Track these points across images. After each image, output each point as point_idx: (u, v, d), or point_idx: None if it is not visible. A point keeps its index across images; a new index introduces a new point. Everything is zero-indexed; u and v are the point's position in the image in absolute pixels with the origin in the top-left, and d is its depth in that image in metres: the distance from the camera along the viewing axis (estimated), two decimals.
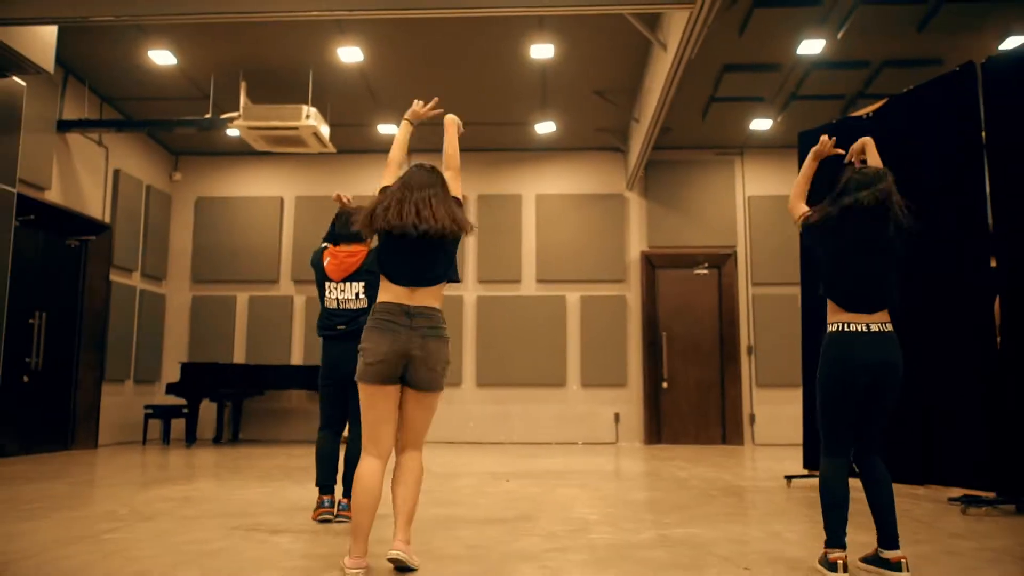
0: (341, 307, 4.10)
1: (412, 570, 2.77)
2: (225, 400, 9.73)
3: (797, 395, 9.81)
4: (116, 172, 9.29)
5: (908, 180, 5.13)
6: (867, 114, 5.42)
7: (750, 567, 2.98)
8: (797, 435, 9.60)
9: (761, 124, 9.53)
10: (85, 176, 8.72)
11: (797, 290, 9.87)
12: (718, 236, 10.31)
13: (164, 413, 9.27)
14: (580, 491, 5.28)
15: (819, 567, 2.84)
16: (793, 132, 9.75)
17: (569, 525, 3.90)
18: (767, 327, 10.04)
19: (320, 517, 3.91)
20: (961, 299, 4.57)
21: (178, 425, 9.67)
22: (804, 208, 3.09)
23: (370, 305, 3.89)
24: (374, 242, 3.37)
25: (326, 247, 4.25)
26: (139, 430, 9.45)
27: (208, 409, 9.74)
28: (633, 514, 4.25)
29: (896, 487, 3.22)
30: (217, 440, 9.62)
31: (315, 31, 7.41)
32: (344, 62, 8.02)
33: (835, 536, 2.83)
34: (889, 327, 2.87)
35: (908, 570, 2.76)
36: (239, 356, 10.26)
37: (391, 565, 2.78)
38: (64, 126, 8.19)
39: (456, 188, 3.04)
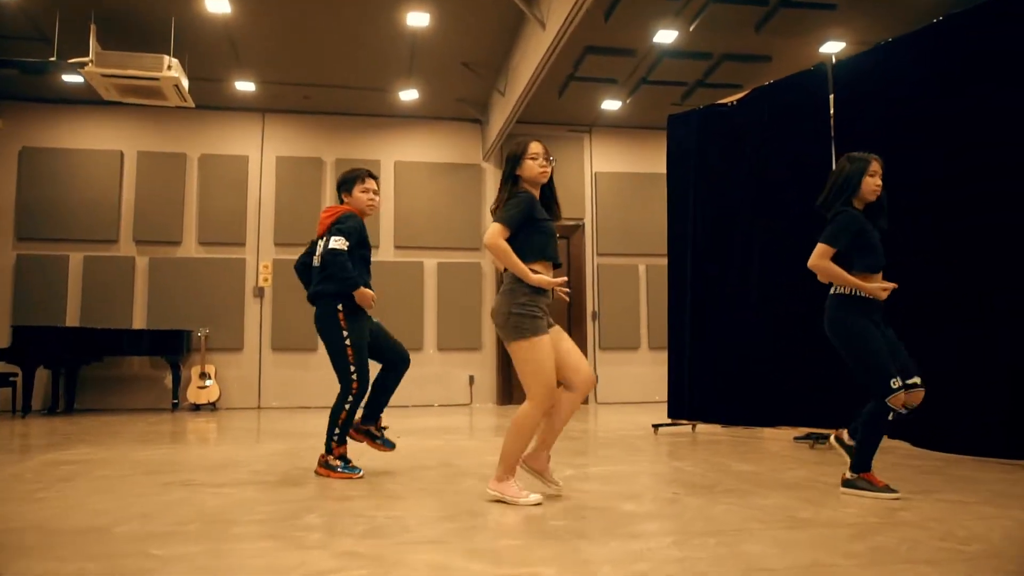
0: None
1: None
2: (60, 367, 9.07)
3: (636, 357, 10.81)
4: None
5: (766, 164, 5.89)
6: (731, 102, 6.09)
7: (677, 492, 3.46)
8: (636, 394, 10.59)
9: (611, 104, 10.20)
10: None
11: (637, 260, 10.83)
12: (567, 209, 10.84)
13: None
14: (478, 443, 5.61)
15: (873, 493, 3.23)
16: (640, 114, 10.60)
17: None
18: (610, 294, 10.82)
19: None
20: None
21: (3, 394, 8.90)
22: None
23: None
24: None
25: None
26: None
27: (39, 378, 9.03)
28: None
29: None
30: (52, 410, 8.96)
31: None
32: (210, 12, 7.68)
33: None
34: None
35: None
36: (72, 320, 9.57)
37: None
38: None
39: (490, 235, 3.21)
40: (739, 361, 5.80)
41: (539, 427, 3.26)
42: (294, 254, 9.86)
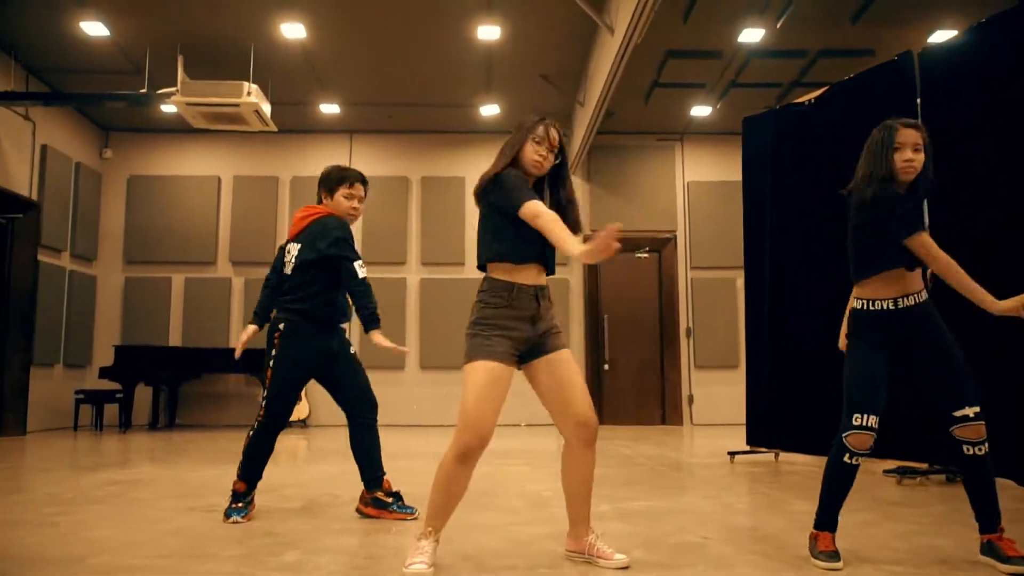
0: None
1: None
2: (161, 384, 9.48)
3: (733, 376, 10.19)
4: (44, 148, 8.92)
5: (846, 166, 5.35)
6: (809, 100, 5.59)
7: (708, 535, 3.08)
8: (734, 415, 9.96)
9: (701, 110, 9.73)
10: (11, 151, 8.34)
11: (734, 274, 10.22)
12: (659, 220, 10.50)
13: (97, 398, 8.99)
14: (529, 469, 5.35)
15: None
16: (732, 119, 10.03)
17: (527, 500, 3.96)
18: (705, 310, 10.29)
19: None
20: None
21: (111, 411, 9.40)
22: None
23: None
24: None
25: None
26: (69, 416, 9.14)
27: (142, 394, 9.48)
28: None
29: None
30: (153, 425, 9.38)
31: (256, 4, 7.24)
32: (287, 38, 7.85)
33: None
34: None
35: None
36: (175, 339, 10.00)
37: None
38: None
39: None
40: (823, 382, 5.26)
41: (463, 481, 2.54)
42: (382, 273, 10.06)
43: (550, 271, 2.70)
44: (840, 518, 2.68)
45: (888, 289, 2.66)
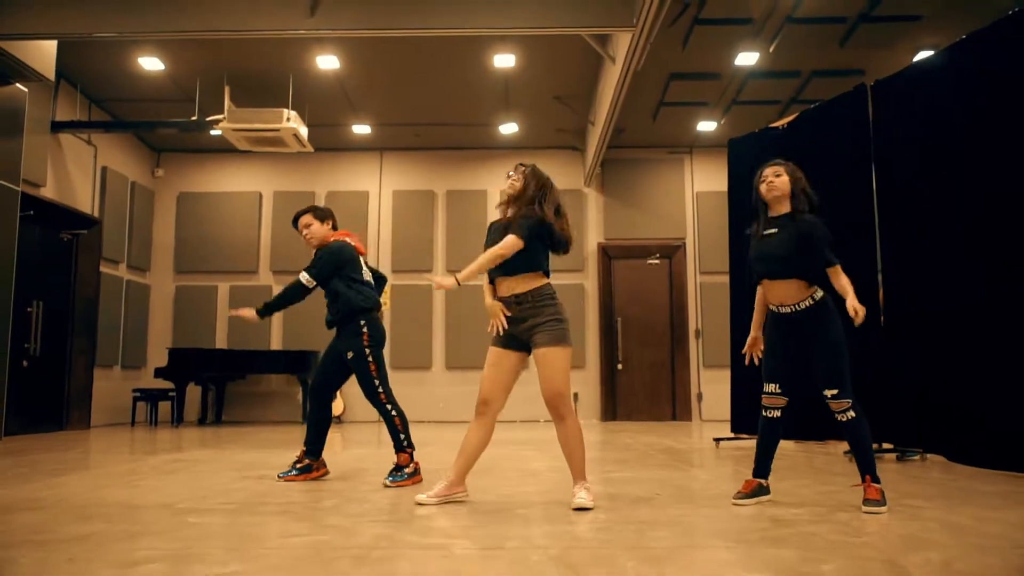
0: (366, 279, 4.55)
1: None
2: (209, 384, 10.36)
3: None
4: (103, 169, 9.86)
5: (816, 181, 6.00)
6: (782, 126, 6.24)
7: (660, 493, 3.78)
8: None
9: (707, 126, 10.38)
10: (76, 173, 9.29)
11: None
12: (669, 229, 11.16)
13: (152, 396, 9.90)
14: (536, 453, 6.07)
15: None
16: (737, 132, 10.63)
17: (523, 472, 4.68)
18: (713, 312, 10.90)
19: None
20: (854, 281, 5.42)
21: (164, 408, 10.30)
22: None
23: None
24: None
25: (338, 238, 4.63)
26: (127, 412, 10.06)
27: (192, 392, 10.37)
28: None
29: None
30: (202, 421, 10.26)
31: (295, 42, 8.07)
32: (322, 69, 8.68)
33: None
34: None
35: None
36: (221, 342, 10.89)
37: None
38: (57, 127, 8.75)
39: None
40: None
41: (473, 433, 3.49)
42: (411, 280, 10.87)
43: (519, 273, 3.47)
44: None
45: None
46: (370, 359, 4.31)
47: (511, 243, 3.40)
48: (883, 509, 3.18)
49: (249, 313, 4.32)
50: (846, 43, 8.11)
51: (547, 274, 3.52)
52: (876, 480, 3.28)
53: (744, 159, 6.64)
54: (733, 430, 6.54)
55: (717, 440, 6.50)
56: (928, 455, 5.20)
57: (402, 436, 4.23)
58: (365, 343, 4.30)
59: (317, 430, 4.44)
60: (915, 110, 5.00)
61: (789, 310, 3.44)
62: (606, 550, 2.52)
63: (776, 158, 6.23)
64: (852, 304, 3.26)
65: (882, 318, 5.20)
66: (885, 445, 5.32)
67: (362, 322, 4.33)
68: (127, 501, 3.57)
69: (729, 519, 3.11)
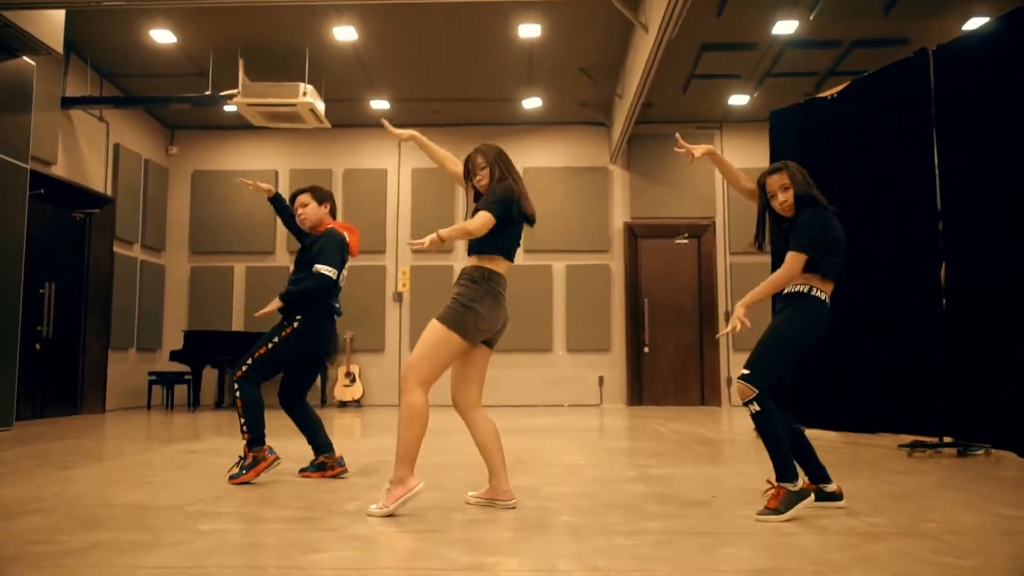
0: (341, 284, 4.25)
1: None
2: (226, 367, 10.12)
3: None
4: (116, 147, 9.59)
5: (866, 159, 5.62)
6: (831, 95, 5.85)
7: (715, 494, 3.46)
8: None
9: (739, 100, 9.96)
10: (88, 151, 9.02)
11: (769, 259, 10.41)
12: (698, 207, 10.77)
13: (167, 379, 9.68)
14: (569, 443, 5.77)
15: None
16: (770, 107, 10.17)
17: (561, 469, 4.38)
18: (743, 294, 10.51)
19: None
20: (913, 267, 5.05)
21: (180, 391, 10.09)
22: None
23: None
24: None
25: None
26: (142, 395, 9.86)
27: (208, 375, 10.15)
28: (615, 459, 4.75)
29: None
30: (219, 404, 10.04)
31: (311, 12, 7.73)
32: (339, 41, 8.33)
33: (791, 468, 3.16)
34: None
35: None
36: (237, 324, 10.66)
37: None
38: (67, 103, 8.47)
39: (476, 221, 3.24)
40: (845, 363, 5.55)
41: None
42: (430, 261, 10.57)
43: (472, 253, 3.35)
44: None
45: None
46: (280, 346, 4.03)
47: (483, 220, 3.16)
48: (779, 519, 2.91)
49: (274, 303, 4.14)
50: (891, 11, 7.66)
51: (506, 256, 3.31)
52: (786, 480, 3.00)
53: (786, 132, 6.25)
54: None
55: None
56: (994, 451, 4.85)
57: (242, 421, 3.95)
58: (296, 338, 4.03)
59: (311, 431, 4.21)
60: (986, 77, 4.60)
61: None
62: None
63: (823, 131, 5.92)
64: (739, 304, 3.22)
65: (944, 300, 4.83)
66: (946, 439, 4.97)
67: (314, 325, 4.08)
68: (137, 502, 3.30)
69: (803, 531, 2.79)
